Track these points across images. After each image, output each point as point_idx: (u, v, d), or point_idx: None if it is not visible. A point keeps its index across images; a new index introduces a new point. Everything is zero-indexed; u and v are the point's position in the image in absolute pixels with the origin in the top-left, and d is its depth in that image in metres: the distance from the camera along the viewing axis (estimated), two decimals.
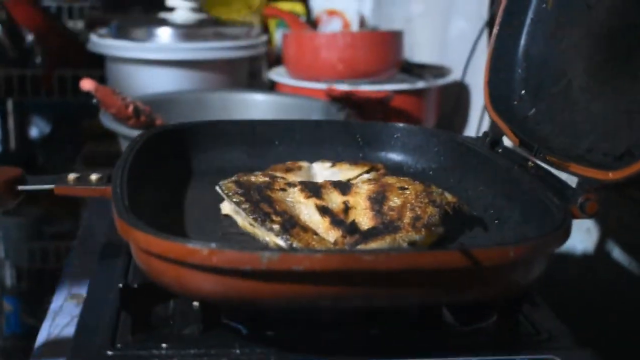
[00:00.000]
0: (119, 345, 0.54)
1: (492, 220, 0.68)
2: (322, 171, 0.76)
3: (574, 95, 0.73)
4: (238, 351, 0.55)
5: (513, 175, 0.69)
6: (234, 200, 0.64)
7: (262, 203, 0.64)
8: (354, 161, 0.77)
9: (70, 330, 0.82)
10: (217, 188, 0.68)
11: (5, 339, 2.00)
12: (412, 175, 0.80)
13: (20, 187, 0.63)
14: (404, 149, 0.84)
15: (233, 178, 0.69)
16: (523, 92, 0.80)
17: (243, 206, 0.63)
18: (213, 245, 0.48)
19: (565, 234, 0.54)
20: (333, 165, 0.77)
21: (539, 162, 0.69)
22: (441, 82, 1.38)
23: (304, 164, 0.77)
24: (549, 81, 0.77)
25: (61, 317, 0.90)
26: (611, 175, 0.58)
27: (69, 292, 0.95)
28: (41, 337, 0.85)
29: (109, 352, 0.53)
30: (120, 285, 0.55)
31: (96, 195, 0.62)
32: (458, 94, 1.46)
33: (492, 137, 0.77)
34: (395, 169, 0.82)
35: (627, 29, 0.69)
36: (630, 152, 0.61)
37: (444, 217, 0.65)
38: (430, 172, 0.81)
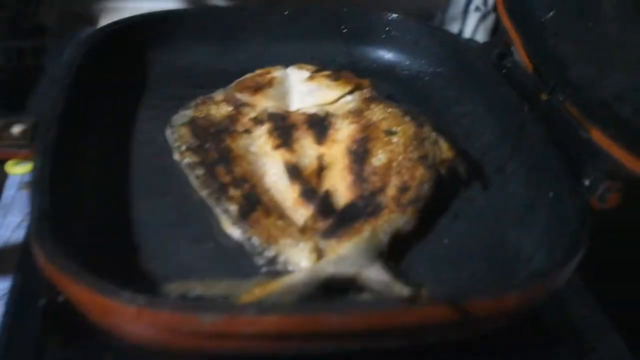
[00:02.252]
0: None
1: (492, 169, 0.58)
2: (298, 85, 0.65)
3: (603, 13, 0.60)
4: None
5: (523, 119, 0.58)
6: (186, 161, 0.54)
7: (218, 166, 0.53)
8: (336, 72, 0.65)
9: (20, 234, 0.74)
10: (168, 133, 0.57)
11: None
12: (405, 79, 0.69)
13: None
14: (396, 45, 0.71)
15: (188, 115, 0.58)
16: None
17: (196, 172, 0.53)
18: (142, 301, 0.39)
19: (576, 264, 0.44)
20: (312, 78, 0.65)
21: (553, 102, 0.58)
22: None
23: (277, 73, 0.65)
24: None
25: (12, 215, 0.82)
26: None
27: (21, 180, 0.86)
28: None
29: None
30: (43, 301, 0.46)
31: (19, 158, 0.52)
32: None
33: (501, 49, 0.65)
34: (386, 71, 0.70)
35: None
36: None
37: (436, 180, 0.54)
38: (426, 78, 0.70)
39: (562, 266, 0.43)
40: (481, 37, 0.92)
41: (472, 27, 0.90)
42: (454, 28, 0.91)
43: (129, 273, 0.48)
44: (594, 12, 0.60)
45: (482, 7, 0.91)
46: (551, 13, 0.64)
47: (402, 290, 0.42)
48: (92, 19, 0.98)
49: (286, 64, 0.67)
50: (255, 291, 0.45)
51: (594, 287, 0.54)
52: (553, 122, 0.56)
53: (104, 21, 0.94)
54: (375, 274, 0.45)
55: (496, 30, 0.98)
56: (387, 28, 0.71)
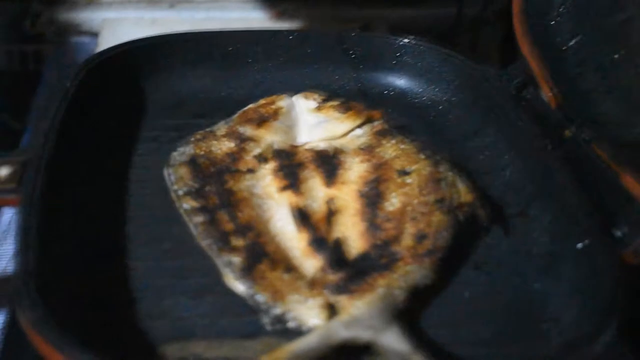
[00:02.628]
0: None
1: (514, 211, 0.54)
2: (306, 116, 0.61)
3: (632, 41, 0.56)
4: None
5: (546, 158, 0.54)
6: (185, 206, 0.50)
7: (220, 212, 0.49)
8: (345, 102, 0.61)
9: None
10: (166, 174, 0.53)
11: None
12: (417, 108, 0.65)
13: None
14: (408, 72, 0.68)
15: (187, 153, 0.55)
16: (562, 8, 0.62)
17: (196, 220, 0.49)
18: None
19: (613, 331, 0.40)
20: (319, 109, 0.61)
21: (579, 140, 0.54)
22: None
23: (283, 102, 0.61)
24: (598, 5, 0.59)
25: (8, 244, 0.78)
26: None
27: None
28: None
29: None
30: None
31: (6, 205, 0.48)
32: None
33: (520, 78, 0.61)
34: (397, 99, 0.67)
35: None
36: None
37: (455, 226, 0.51)
38: (440, 107, 0.66)
39: (597, 336, 0.39)
40: None
41: None
42: None
43: (123, 333, 0.45)
44: (623, 40, 0.56)
45: None
46: (576, 39, 0.60)
47: None
48: (93, 30, 0.95)
49: (292, 91, 0.63)
50: (262, 358, 0.41)
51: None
52: (579, 162, 0.52)
53: (105, 32, 0.90)
54: (393, 342, 0.41)
55: (504, 47, 0.94)
56: (398, 53, 0.67)
